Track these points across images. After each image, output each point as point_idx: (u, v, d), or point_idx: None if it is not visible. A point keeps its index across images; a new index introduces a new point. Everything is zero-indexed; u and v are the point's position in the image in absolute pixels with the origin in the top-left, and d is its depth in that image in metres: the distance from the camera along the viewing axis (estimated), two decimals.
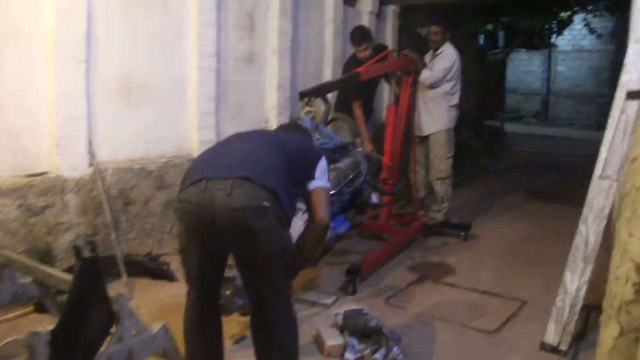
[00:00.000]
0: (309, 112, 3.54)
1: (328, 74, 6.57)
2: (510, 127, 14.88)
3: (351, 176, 3.57)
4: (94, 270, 2.22)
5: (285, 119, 5.58)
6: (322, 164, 2.60)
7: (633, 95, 2.76)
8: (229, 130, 4.79)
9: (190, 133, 4.84)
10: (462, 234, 5.19)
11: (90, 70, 3.94)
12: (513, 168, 9.67)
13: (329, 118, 4.04)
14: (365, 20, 7.70)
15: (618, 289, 1.80)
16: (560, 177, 8.97)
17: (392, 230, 5.01)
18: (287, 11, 5.78)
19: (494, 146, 11.34)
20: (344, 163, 3.58)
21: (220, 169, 2.38)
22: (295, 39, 6.10)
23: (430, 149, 5.28)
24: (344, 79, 4.35)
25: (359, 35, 5.27)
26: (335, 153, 3.60)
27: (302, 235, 2.60)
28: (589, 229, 2.88)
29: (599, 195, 2.85)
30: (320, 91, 3.89)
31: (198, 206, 2.31)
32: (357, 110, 5.28)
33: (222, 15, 5.06)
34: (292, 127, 3.08)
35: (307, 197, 2.59)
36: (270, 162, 2.45)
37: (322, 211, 2.53)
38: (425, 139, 5.34)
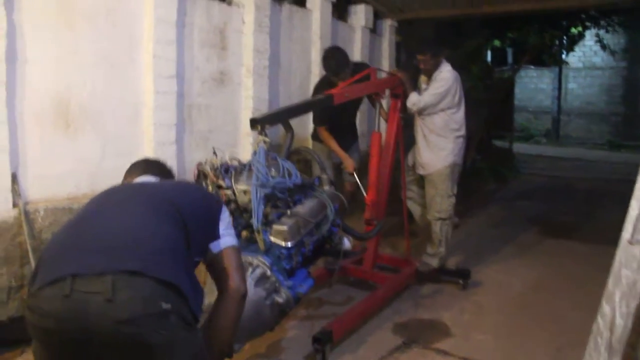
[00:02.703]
0: (264, 142, 2.87)
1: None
2: (519, 147, 14.17)
3: (314, 222, 2.90)
4: None
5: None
6: (225, 215, 2.07)
7: None
8: (195, 159, 4.19)
9: None
10: (460, 282, 4.49)
11: (13, 94, 3.32)
12: (522, 194, 8.94)
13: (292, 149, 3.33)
14: (359, 37, 7.12)
15: None
16: (573, 205, 8.23)
17: (377, 278, 4.33)
18: (265, 26, 5.18)
19: (502, 168, 10.64)
20: (305, 206, 2.90)
21: (92, 259, 1.66)
22: (275, 57, 5.51)
23: (431, 185, 4.52)
24: (312, 102, 3.65)
25: (337, 64, 4.47)
26: (296, 193, 2.93)
27: (215, 315, 1.95)
28: (615, 310, 2.18)
29: (629, 265, 2.16)
30: (278, 117, 3.17)
31: (60, 322, 1.58)
32: (324, 133, 4.65)
33: (186, 31, 4.46)
34: (156, 167, 2.39)
35: (212, 263, 1.97)
36: (163, 239, 1.78)
37: (237, 277, 1.96)
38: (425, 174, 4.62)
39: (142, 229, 1.78)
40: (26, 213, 3.38)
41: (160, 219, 1.83)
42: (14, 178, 3.37)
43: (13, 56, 3.30)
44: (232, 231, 2.06)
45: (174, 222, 1.84)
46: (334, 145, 4.64)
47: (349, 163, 4.65)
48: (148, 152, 4.17)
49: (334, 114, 4.46)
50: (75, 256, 1.67)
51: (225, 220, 2.04)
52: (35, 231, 3.45)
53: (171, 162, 4.24)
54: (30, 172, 3.48)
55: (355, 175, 4.63)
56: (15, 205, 3.36)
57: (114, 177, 3.87)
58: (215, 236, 1.98)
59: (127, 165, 4.05)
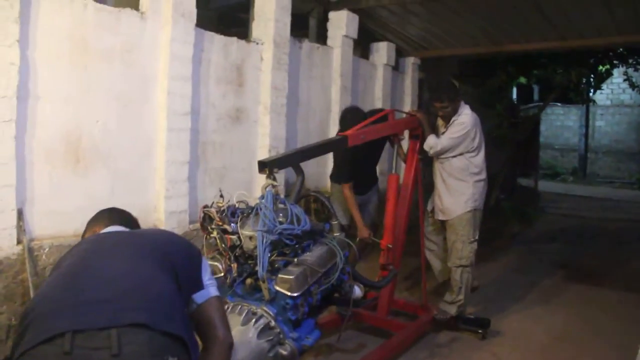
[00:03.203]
0: (272, 186, 2.76)
1: (334, 134, 5.85)
2: (545, 185, 13.89)
3: (323, 271, 2.75)
4: None
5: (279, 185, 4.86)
6: (206, 264, 1.99)
7: None
8: (208, 197, 4.10)
9: (156, 202, 4.13)
10: (480, 331, 4.28)
11: (23, 130, 3.30)
12: (547, 236, 8.65)
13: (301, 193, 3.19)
14: (380, 74, 7.07)
15: None
16: (601, 249, 7.92)
17: (392, 325, 4.14)
18: (284, 63, 5.14)
19: (527, 208, 10.39)
20: (313, 255, 2.75)
21: (91, 312, 1.55)
22: (293, 95, 5.46)
23: (451, 230, 4.34)
24: (325, 143, 3.53)
25: (352, 123, 4.06)
26: (304, 239, 2.80)
27: None
28: None
29: None
30: (288, 160, 3.06)
31: None
32: (347, 192, 4.42)
33: (202, 68, 4.43)
34: (123, 217, 2.25)
35: (196, 314, 1.88)
36: (161, 289, 1.69)
37: (224, 328, 1.89)
38: (445, 221, 4.43)
39: (139, 279, 1.69)
40: (30, 250, 3.31)
41: (154, 268, 1.74)
42: (20, 214, 3.32)
43: (25, 93, 3.29)
44: (214, 281, 1.99)
45: (168, 272, 1.76)
46: (353, 208, 4.43)
47: (364, 232, 4.41)
48: (159, 189, 4.11)
49: (357, 162, 4.36)
50: (71, 310, 1.55)
51: (207, 270, 1.97)
52: (39, 268, 3.38)
53: (182, 199, 4.22)
54: (36, 209, 3.44)
55: (372, 236, 4.45)
56: (19, 241, 3.30)
57: None
58: (200, 286, 1.90)
59: (138, 203, 4.04)
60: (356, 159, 4.38)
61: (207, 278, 1.94)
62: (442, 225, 4.46)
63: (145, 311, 1.58)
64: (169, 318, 1.62)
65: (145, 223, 4.09)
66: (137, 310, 1.58)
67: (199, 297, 1.88)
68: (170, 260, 1.81)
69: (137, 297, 1.62)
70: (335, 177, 4.69)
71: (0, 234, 3.20)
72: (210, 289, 1.92)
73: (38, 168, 3.42)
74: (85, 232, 2.23)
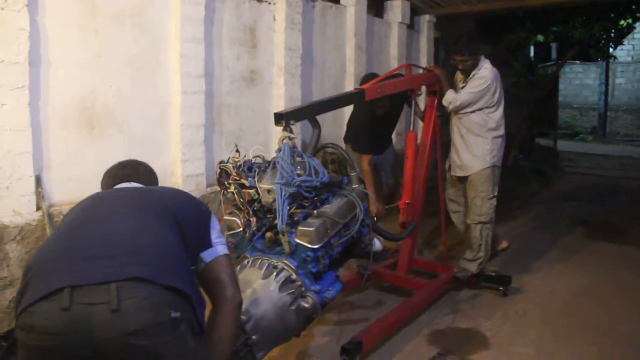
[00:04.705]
0: (289, 138, 2.71)
1: None
2: (564, 145, 13.66)
3: (343, 223, 2.72)
4: None
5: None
6: (216, 223, 1.99)
7: None
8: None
9: (173, 167, 4.13)
10: (501, 288, 4.25)
11: (37, 97, 3.27)
12: (567, 195, 8.53)
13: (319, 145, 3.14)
14: (395, 33, 6.92)
15: None
16: (623, 206, 7.79)
17: (412, 284, 4.13)
18: (297, 23, 5.05)
19: (546, 168, 10.24)
20: (333, 206, 2.71)
21: (90, 267, 1.54)
22: (307, 55, 5.37)
23: (470, 187, 4.29)
24: (341, 97, 3.44)
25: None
26: (323, 192, 2.76)
27: (212, 326, 1.84)
28: None
29: None
30: (303, 113, 2.98)
31: (62, 338, 1.46)
32: (365, 165, 4.37)
33: (215, 29, 4.36)
34: (140, 171, 2.24)
35: (204, 272, 1.88)
36: (166, 245, 1.68)
37: (233, 287, 1.90)
38: (464, 178, 4.38)
39: (142, 234, 1.67)
40: (50, 216, 3.33)
41: (159, 224, 1.73)
42: (38, 181, 3.33)
43: (37, 59, 3.26)
44: (223, 239, 1.99)
45: (172, 228, 1.75)
46: (368, 181, 4.36)
47: (374, 206, 4.30)
48: (175, 153, 4.10)
49: (375, 125, 4.28)
50: (70, 266, 1.54)
51: (216, 228, 1.97)
52: None
53: (199, 162, 4.20)
54: (54, 175, 3.44)
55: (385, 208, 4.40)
56: (39, 207, 3.32)
57: None
58: (207, 244, 1.90)
59: (154, 167, 4.03)
60: (374, 124, 4.30)
61: (215, 236, 1.93)
62: (462, 184, 4.40)
63: (147, 266, 1.57)
64: (172, 273, 1.61)
65: None
66: (138, 265, 1.56)
67: (207, 256, 1.87)
68: (176, 217, 1.79)
69: (139, 253, 1.60)
70: (353, 143, 4.62)
71: (19, 201, 3.22)
72: (219, 247, 1.92)
73: (54, 135, 3.42)
74: (103, 186, 2.22)
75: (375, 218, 4.27)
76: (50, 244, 1.69)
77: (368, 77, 4.36)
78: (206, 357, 1.69)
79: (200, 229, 1.89)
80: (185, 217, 1.83)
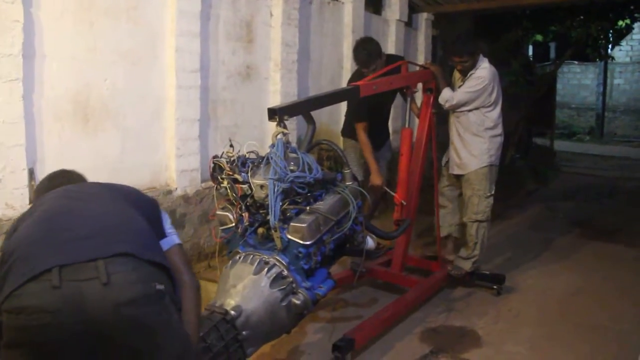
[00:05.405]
0: (283, 134, 2.70)
1: None
2: (561, 145, 13.67)
3: (335, 220, 2.71)
4: None
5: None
6: (165, 215, 2.09)
7: None
8: None
9: (167, 161, 4.12)
10: (494, 287, 4.25)
11: (31, 90, 3.25)
12: (563, 195, 8.53)
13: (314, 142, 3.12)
14: (393, 30, 6.91)
15: None
16: (619, 207, 7.81)
17: (406, 282, 4.12)
18: (294, 19, 5.04)
19: (542, 167, 10.25)
20: (325, 203, 2.70)
21: (75, 247, 1.59)
22: (304, 51, 5.36)
23: (467, 185, 4.28)
24: (336, 93, 3.43)
25: (368, 55, 4.13)
26: (316, 189, 2.75)
27: (185, 310, 1.88)
28: None
29: None
30: (298, 108, 2.98)
31: (56, 315, 1.49)
32: (362, 135, 4.27)
33: (211, 24, 4.35)
34: (76, 178, 2.21)
35: None
36: (141, 224, 1.79)
37: (189, 273, 1.97)
38: (461, 175, 4.35)
39: (118, 216, 1.76)
40: None
41: (131, 209, 1.83)
42: (31, 174, 3.31)
43: (31, 52, 3.24)
44: (174, 230, 2.07)
45: (141, 214, 1.84)
46: (368, 153, 4.31)
47: (377, 178, 4.27)
48: (170, 148, 4.08)
49: (369, 109, 4.24)
50: (55, 249, 1.59)
51: (167, 219, 2.06)
52: None
53: (194, 157, 4.19)
54: (47, 169, 3.37)
55: (385, 188, 4.34)
56: (31, 201, 3.29)
57: (134, 172, 3.84)
58: (163, 234, 1.97)
59: (149, 162, 4.02)
60: (369, 104, 4.25)
61: (168, 227, 2.02)
62: (458, 181, 4.39)
63: (129, 242, 1.65)
64: (152, 249, 1.71)
65: (156, 182, 4.10)
66: (121, 242, 1.64)
67: (164, 244, 1.93)
68: (140, 206, 1.89)
69: (120, 232, 1.69)
70: (348, 122, 4.57)
71: (12, 194, 3.20)
72: (173, 237, 2.01)
73: (48, 128, 3.40)
74: (36, 197, 2.17)
75: (377, 188, 4.25)
76: (27, 231, 1.69)
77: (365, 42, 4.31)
78: (185, 332, 1.76)
79: (156, 219, 1.97)
80: (144, 206, 1.93)
